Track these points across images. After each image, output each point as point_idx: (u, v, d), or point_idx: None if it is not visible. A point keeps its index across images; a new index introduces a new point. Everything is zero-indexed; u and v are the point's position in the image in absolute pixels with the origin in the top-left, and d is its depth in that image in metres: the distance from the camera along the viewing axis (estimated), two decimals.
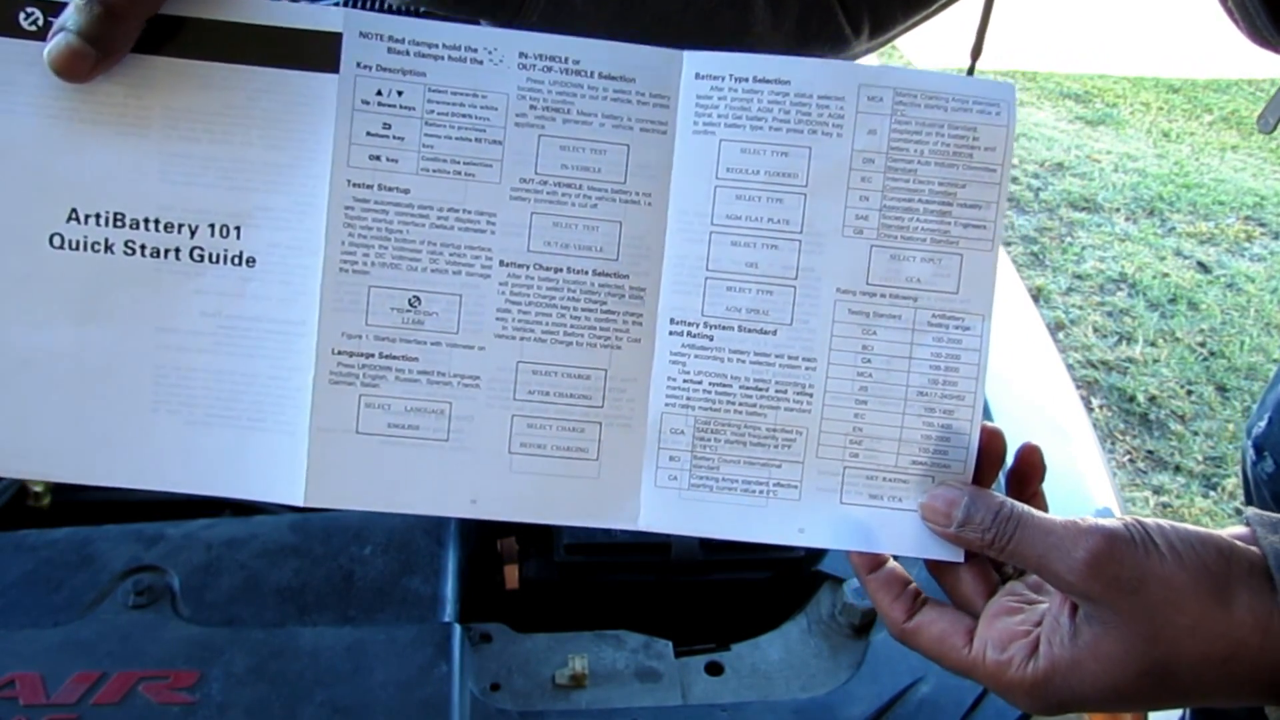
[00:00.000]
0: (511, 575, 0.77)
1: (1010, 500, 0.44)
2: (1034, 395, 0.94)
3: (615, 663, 0.69)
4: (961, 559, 0.46)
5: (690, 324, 0.47)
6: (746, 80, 0.46)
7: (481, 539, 0.78)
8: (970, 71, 0.85)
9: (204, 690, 0.61)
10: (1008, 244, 3.32)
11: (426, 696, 0.62)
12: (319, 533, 0.73)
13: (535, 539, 0.81)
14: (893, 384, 0.47)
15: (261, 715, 0.60)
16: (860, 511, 0.47)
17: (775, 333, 0.47)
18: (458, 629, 0.66)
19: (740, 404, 0.47)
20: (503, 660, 0.69)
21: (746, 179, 0.47)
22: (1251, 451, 0.98)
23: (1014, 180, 3.84)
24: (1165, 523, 0.42)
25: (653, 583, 0.79)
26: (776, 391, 0.47)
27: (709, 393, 0.47)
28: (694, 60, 0.47)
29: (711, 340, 0.47)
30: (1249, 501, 1.03)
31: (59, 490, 0.81)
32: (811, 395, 0.47)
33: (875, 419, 0.47)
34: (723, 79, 0.47)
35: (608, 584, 0.79)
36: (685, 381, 0.47)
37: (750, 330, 0.47)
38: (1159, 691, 0.42)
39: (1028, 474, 0.48)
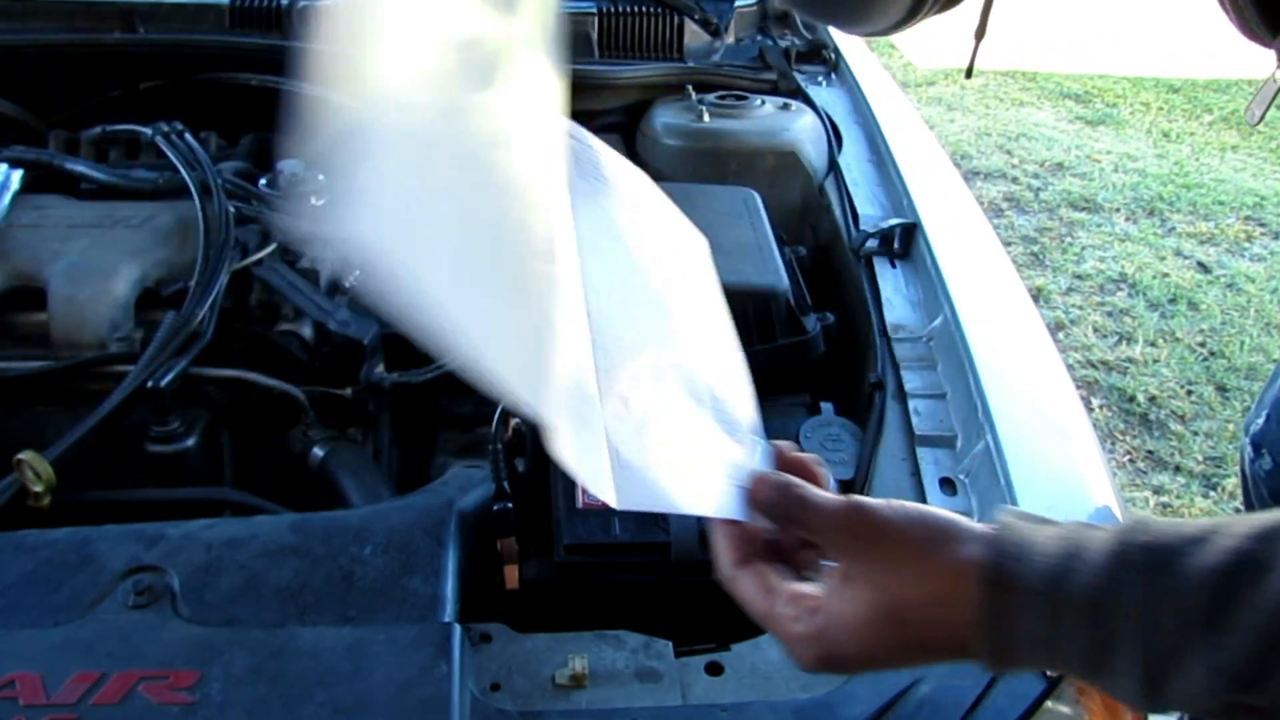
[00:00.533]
0: (511, 575, 0.77)
1: (803, 484, 0.52)
2: (1034, 395, 0.94)
3: (615, 663, 0.69)
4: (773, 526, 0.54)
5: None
6: None
7: (482, 539, 0.78)
8: (973, 56, 0.84)
9: (204, 690, 0.61)
10: (1008, 244, 3.32)
11: (426, 696, 0.62)
12: (319, 533, 0.73)
13: (535, 539, 0.81)
14: (719, 391, 0.57)
15: (261, 715, 0.60)
16: (736, 490, 0.54)
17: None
18: (458, 629, 0.66)
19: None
20: (503, 660, 0.69)
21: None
22: (1249, 449, 0.99)
23: (1014, 180, 3.83)
24: (923, 505, 0.50)
25: (653, 583, 0.79)
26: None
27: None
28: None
29: None
30: (1247, 499, 1.04)
31: (59, 490, 0.81)
32: (702, 398, 0.56)
33: (717, 420, 0.57)
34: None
35: (608, 584, 0.79)
36: None
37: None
38: (897, 637, 0.48)
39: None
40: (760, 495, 0.53)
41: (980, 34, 0.81)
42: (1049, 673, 0.49)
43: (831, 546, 0.50)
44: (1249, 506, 1.04)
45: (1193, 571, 0.43)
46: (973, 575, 0.46)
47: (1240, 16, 0.70)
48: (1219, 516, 0.46)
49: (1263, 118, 0.72)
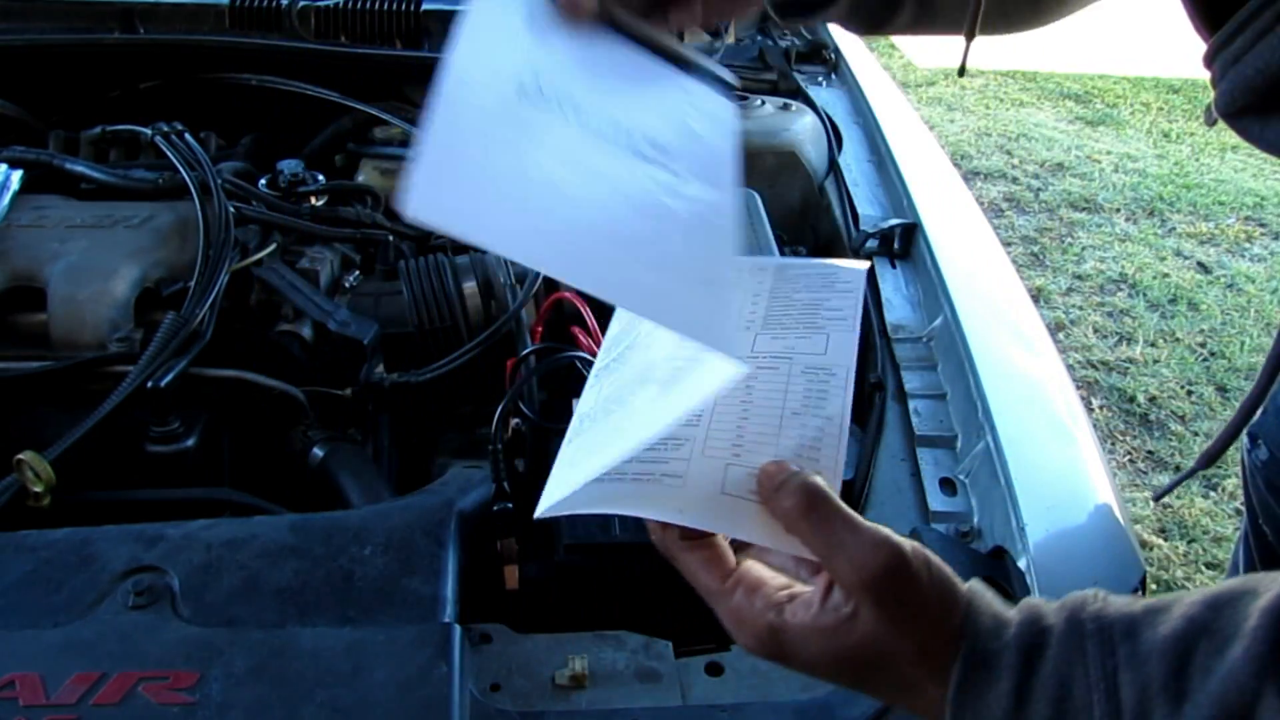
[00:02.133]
0: (511, 575, 0.77)
1: (837, 500, 0.49)
2: (1034, 395, 0.94)
3: (615, 663, 0.69)
4: (796, 551, 0.50)
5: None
6: None
7: (482, 539, 0.78)
8: (964, 56, 0.84)
9: (204, 690, 0.61)
10: (1008, 244, 3.32)
11: (426, 696, 0.62)
12: (319, 533, 0.73)
13: (535, 539, 0.81)
14: (771, 407, 0.55)
15: (261, 715, 0.60)
16: (738, 502, 0.51)
17: None
18: (457, 629, 0.66)
19: None
20: (503, 660, 0.69)
21: None
22: (1247, 439, 1.00)
23: (1014, 181, 3.83)
24: (939, 562, 0.48)
25: (653, 583, 0.79)
26: None
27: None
28: None
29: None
30: (1246, 489, 1.05)
31: (59, 490, 0.81)
32: (700, 415, 0.55)
33: (754, 430, 0.54)
34: None
35: (608, 584, 0.79)
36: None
37: None
38: (861, 677, 0.48)
39: None
40: (784, 501, 0.49)
41: (970, 34, 0.81)
42: None
43: (852, 583, 0.47)
44: (1247, 496, 1.06)
45: (1152, 642, 0.43)
46: (952, 650, 0.46)
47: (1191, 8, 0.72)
48: (1172, 594, 0.48)
49: (1216, 121, 0.72)
